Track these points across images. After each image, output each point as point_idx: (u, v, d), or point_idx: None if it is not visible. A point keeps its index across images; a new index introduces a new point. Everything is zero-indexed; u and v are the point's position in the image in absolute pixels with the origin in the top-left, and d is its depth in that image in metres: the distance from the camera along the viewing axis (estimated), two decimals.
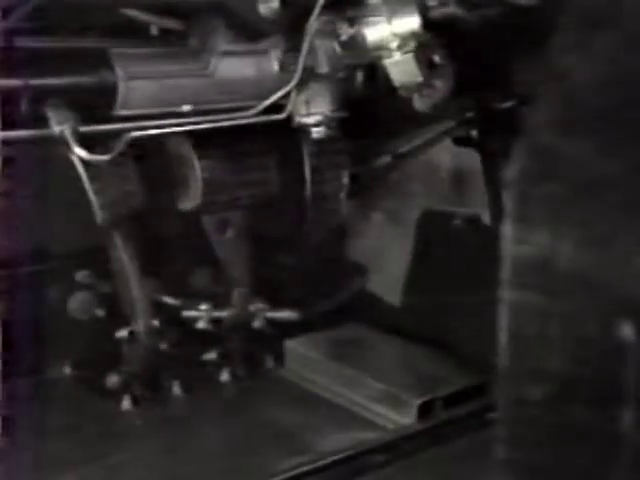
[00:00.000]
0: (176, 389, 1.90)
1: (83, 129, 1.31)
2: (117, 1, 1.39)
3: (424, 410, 1.78)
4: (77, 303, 1.92)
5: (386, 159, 2.04)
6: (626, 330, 1.01)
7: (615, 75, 1.01)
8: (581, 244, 1.02)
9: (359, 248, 2.20)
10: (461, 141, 1.93)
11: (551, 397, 1.04)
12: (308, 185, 1.89)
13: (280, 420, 1.82)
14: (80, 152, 1.29)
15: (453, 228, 1.98)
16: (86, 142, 1.34)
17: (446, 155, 1.98)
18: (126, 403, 1.83)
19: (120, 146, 1.32)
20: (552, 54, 1.06)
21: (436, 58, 1.65)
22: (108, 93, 1.35)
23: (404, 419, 1.79)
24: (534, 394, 1.05)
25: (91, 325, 1.90)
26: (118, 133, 1.35)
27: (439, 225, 2.01)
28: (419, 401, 1.78)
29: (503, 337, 1.05)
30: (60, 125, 1.30)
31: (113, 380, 1.84)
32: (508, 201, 1.05)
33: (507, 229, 1.04)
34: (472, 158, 1.94)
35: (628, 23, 1.00)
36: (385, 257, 2.16)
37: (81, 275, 1.93)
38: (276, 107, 1.57)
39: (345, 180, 1.94)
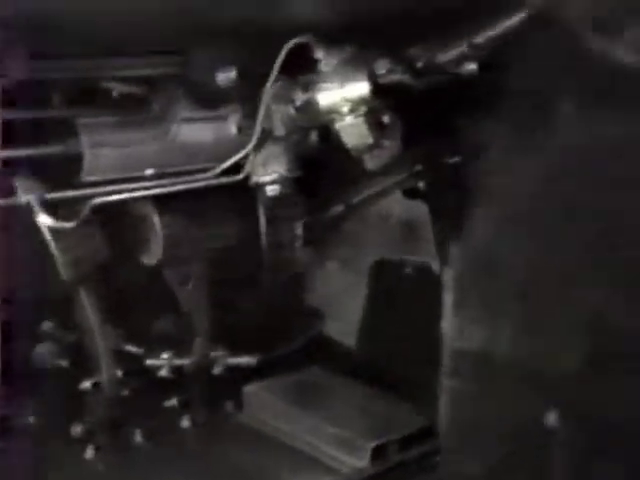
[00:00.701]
0: (138, 436, 1.96)
1: (50, 196, 1.38)
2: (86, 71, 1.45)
3: (378, 453, 1.86)
4: (41, 353, 1.97)
5: (339, 209, 2.14)
6: (551, 418, 1.10)
7: (548, 191, 1.11)
8: (515, 338, 1.11)
9: (316, 294, 2.28)
10: (410, 193, 2.02)
11: (488, 473, 1.13)
12: (264, 236, 1.98)
13: (240, 465, 1.88)
14: (46, 220, 1.36)
15: (405, 275, 2.07)
16: (52, 207, 1.41)
17: (397, 205, 2.08)
18: (90, 452, 1.88)
19: (85, 212, 1.39)
20: (488, 172, 1.16)
21: (385, 118, 1.75)
22: (74, 161, 1.42)
23: (359, 462, 1.86)
24: (473, 470, 1.14)
25: (56, 374, 1.95)
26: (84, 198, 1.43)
27: (392, 272, 2.10)
28: (372, 444, 1.85)
29: (444, 420, 1.14)
30: (27, 194, 1.36)
31: (77, 429, 1.90)
32: (447, 298, 1.14)
33: (446, 324, 1.13)
34: (422, 209, 2.04)
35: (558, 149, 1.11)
36: (341, 302, 2.24)
37: (46, 326, 1.99)
38: (235, 167, 1.66)
39: (299, 230, 2.03)
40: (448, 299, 1.16)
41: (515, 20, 1.41)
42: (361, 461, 1.85)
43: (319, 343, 2.23)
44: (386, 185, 2.01)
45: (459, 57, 1.52)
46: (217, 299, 1.99)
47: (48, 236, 1.45)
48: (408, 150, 1.81)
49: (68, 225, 1.39)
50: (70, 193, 1.42)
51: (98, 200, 1.42)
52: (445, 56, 1.54)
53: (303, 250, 2.05)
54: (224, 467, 1.87)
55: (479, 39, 1.48)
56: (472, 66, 1.51)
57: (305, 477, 1.82)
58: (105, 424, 1.91)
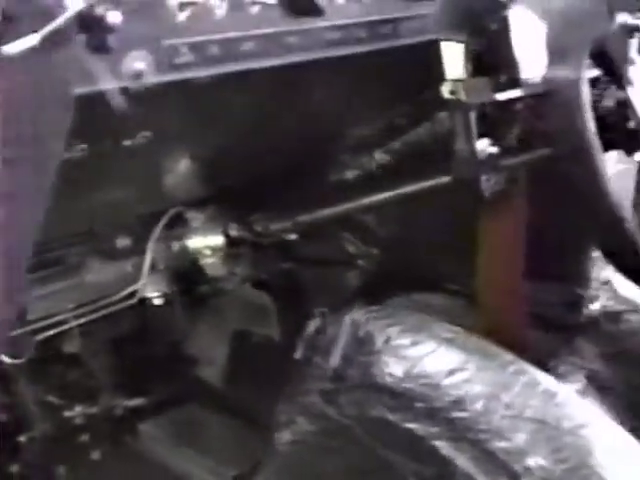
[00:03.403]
0: (61, 469, 2.64)
1: None
2: None
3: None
4: None
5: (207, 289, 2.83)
6: None
7: None
8: None
9: (194, 347, 2.98)
10: (257, 284, 2.73)
11: None
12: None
13: None
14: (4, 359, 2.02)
15: (254, 343, 2.81)
16: None
17: (249, 291, 2.79)
18: None
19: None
20: None
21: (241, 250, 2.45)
22: None
23: None
24: None
25: None
26: None
27: (245, 340, 2.84)
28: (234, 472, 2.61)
29: None
30: None
31: (14, 468, 2.56)
32: None
33: None
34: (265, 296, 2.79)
35: None
36: (211, 354, 2.95)
37: None
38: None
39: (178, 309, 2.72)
40: None
41: None
42: None
43: (196, 384, 2.95)
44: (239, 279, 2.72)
45: (285, 228, 2.23)
46: (117, 358, 2.69)
47: None
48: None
49: (19, 361, 2.05)
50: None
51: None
52: (275, 226, 2.24)
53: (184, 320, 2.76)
54: None
55: (302, 219, 2.19)
56: (292, 236, 2.23)
57: None
58: (36, 464, 2.59)
